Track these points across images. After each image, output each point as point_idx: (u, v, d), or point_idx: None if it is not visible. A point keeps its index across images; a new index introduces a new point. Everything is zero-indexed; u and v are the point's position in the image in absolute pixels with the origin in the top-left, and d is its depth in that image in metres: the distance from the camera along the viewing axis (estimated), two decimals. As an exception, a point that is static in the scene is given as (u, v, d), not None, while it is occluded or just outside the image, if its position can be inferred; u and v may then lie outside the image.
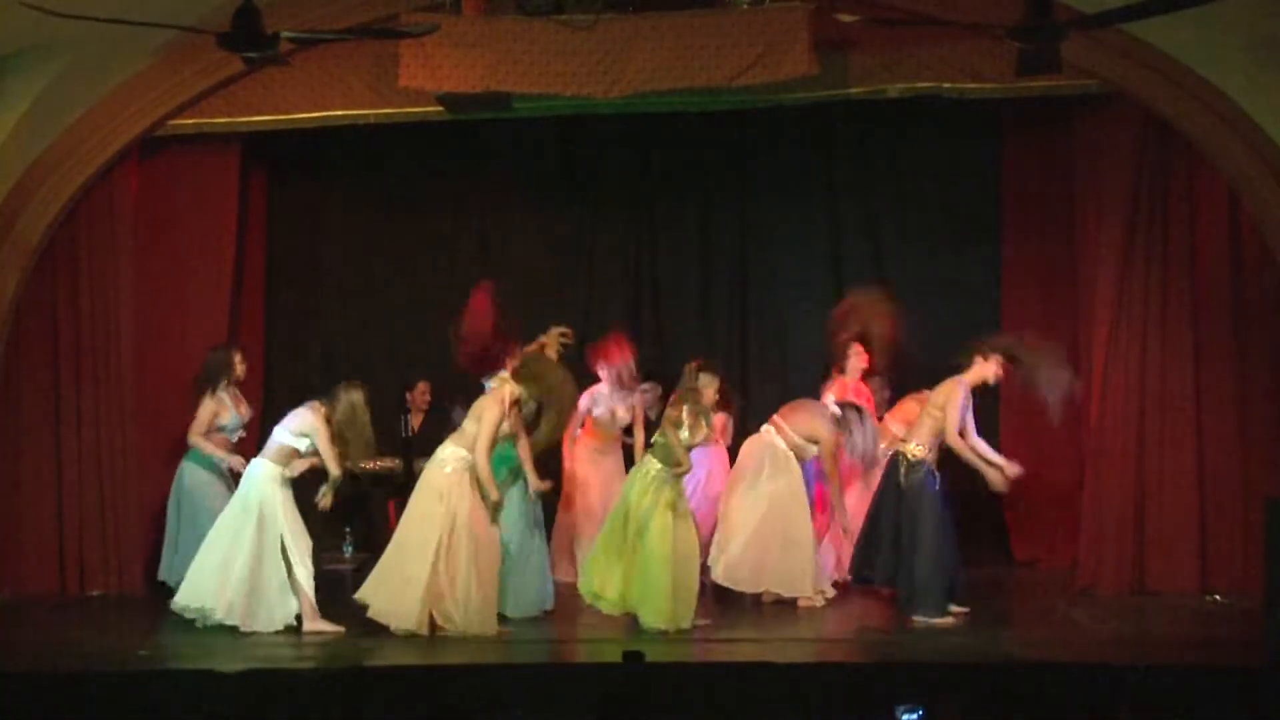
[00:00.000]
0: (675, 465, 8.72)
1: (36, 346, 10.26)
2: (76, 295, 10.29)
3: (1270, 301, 9.71)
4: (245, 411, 9.76)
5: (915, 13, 9.38)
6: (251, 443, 10.02)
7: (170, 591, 9.20)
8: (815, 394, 9.98)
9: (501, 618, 8.79)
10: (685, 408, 8.78)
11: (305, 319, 11.39)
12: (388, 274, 11.58)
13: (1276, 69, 9.02)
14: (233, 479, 9.43)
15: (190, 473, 9.62)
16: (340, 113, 10.12)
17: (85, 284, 10.30)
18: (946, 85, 9.76)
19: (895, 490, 9.06)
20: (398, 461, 10.73)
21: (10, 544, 10.19)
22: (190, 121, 10.19)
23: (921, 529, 8.92)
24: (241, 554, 8.70)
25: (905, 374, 10.33)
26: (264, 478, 8.79)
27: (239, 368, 9.73)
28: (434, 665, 8.10)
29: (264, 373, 11.19)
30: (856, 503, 9.72)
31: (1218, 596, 9.58)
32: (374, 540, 10.31)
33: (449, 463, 8.67)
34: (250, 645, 8.63)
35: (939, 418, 9.00)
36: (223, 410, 9.63)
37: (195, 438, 9.59)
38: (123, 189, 10.35)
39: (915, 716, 5.82)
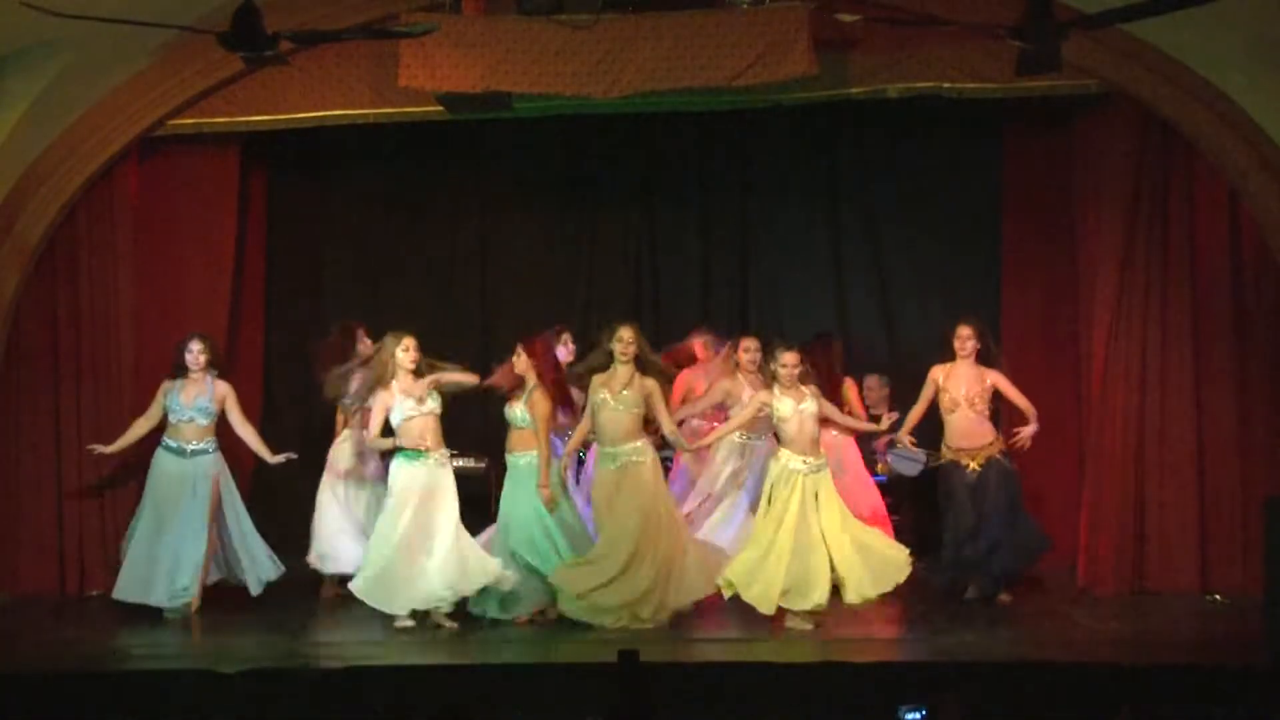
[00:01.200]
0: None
1: (36, 346, 10.25)
2: (76, 295, 10.29)
3: (1270, 301, 9.71)
4: (190, 398, 9.60)
5: (915, 13, 9.38)
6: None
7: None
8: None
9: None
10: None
11: (305, 318, 11.38)
12: (387, 273, 11.58)
13: (1276, 69, 9.02)
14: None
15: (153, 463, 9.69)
16: (340, 113, 10.11)
17: (85, 284, 10.30)
18: (946, 85, 9.77)
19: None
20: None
21: (10, 544, 10.19)
22: (190, 121, 10.18)
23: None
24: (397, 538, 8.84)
25: (905, 373, 10.35)
26: (396, 465, 8.94)
27: (186, 356, 9.63)
28: (434, 665, 8.10)
29: (264, 372, 11.19)
30: None
31: (1218, 596, 9.58)
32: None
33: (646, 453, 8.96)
34: (250, 645, 8.64)
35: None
36: (168, 395, 9.62)
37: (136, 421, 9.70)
38: (122, 189, 10.35)
39: (918, 716, 5.81)
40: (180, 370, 9.63)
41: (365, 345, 9.91)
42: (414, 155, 11.25)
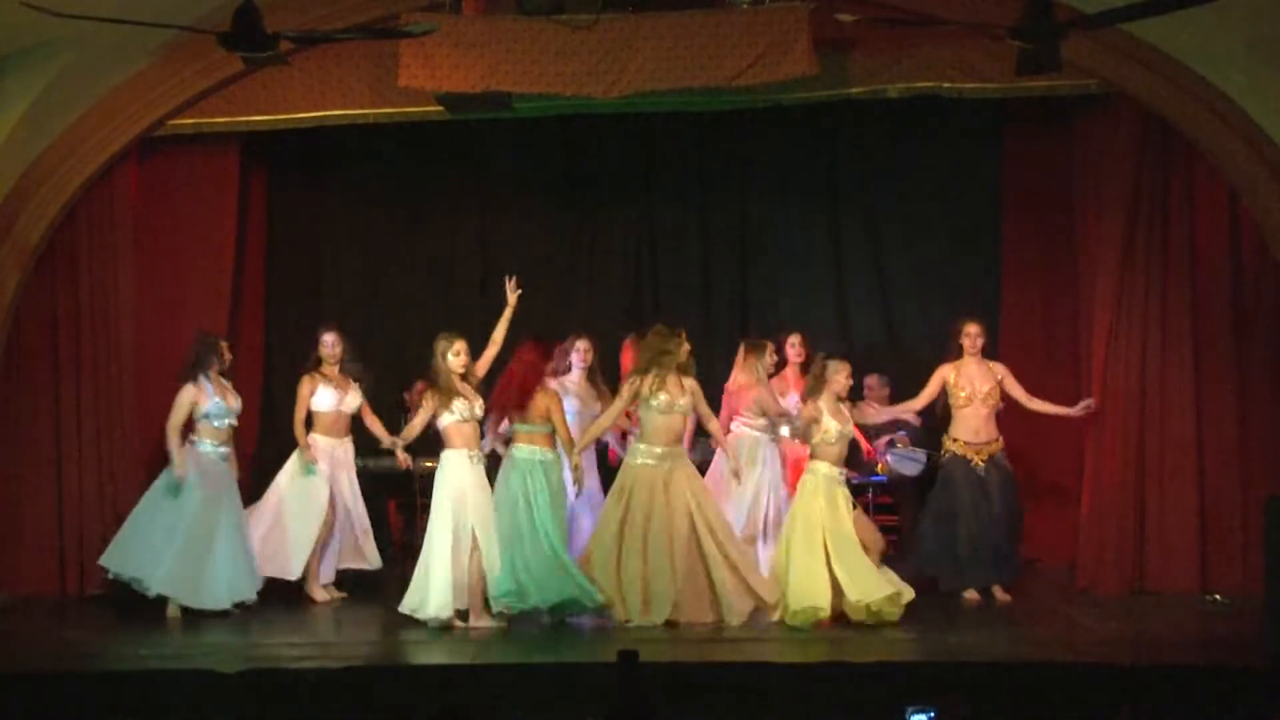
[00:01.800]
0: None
1: (36, 346, 10.25)
2: (76, 295, 10.28)
3: (1270, 301, 9.71)
4: (233, 401, 9.64)
5: (915, 13, 9.39)
6: (249, 439, 10.01)
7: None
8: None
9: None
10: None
11: (305, 318, 11.38)
12: (387, 273, 11.58)
13: (1276, 69, 9.02)
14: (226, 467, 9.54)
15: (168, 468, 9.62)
16: (340, 113, 10.11)
17: (85, 284, 10.29)
18: (946, 85, 9.77)
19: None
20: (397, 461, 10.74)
21: (10, 544, 10.18)
22: (190, 121, 10.18)
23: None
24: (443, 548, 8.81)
25: (905, 373, 10.36)
26: (453, 468, 8.91)
27: (226, 355, 9.66)
28: (434, 665, 8.10)
29: (264, 372, 11.20)
30: None
31: (1218, 596, 9.57)
32: (375, 539, 10.28)
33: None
34: (250, 645, 8.64)
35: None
36: (201, 397, 9.54)
37: (169, 428, 9.51)
38: (122, 189, 10.35)
39: (927, 717, 5.78)
40: (198, 372, 9.56)
41: (329, 350, 9.95)
42: (414, 155, 11.25)
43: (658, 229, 11.63)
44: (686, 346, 9.13)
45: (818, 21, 9.29)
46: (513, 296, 9.45)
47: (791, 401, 9.75)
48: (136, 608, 9.38)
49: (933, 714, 5.78)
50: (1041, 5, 7.61)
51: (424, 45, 9.26)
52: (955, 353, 9.73)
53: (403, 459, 9.38)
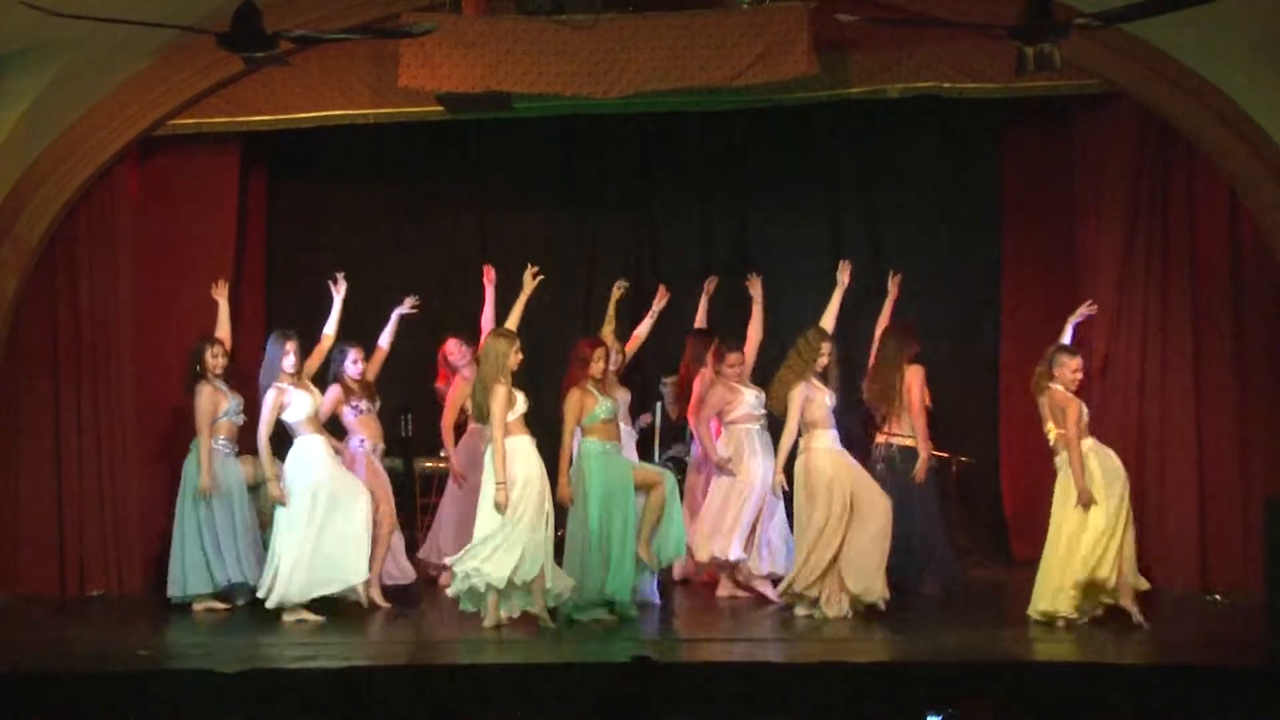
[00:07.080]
0: None
1: (36, 346, 10.26)
2: (76, 295, 10.28)
3: (1270, 301, 9.71)
4: (235, 402, 9.66)
5: (915, 13, 9.40)
6: (248, 438, 10.00)
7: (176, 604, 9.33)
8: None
9: None
10: None
11: (305, 318, 11.37)
12: (387, 273, 11.57)
13: (1276, 69, 9.02)
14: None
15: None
16: (340, 113, 10.13)
17: (85, 284, 10.30)
18: (946, 85, 9.78)
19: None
20: (397, 461, 10.74)
21: (10, 544, 10.19)
22: (190, 121, 10.19)
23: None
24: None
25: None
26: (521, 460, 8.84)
27: (210, 361, 9.61)
28: (434, 665, 8.10)
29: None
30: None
31: (1218, 596, 9.58)
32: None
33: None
34: (250, 645, 8.64)
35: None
36: (220, 398, 9.56)
37: (201, 434, 9.51)
38: (123, 189, 10.35)
39: (942, 720, 5.77)
40: (202, 375, 9.57)
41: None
42: (414, 155, 11.26)
43: (658, 228, 11.64)
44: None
45: (818, 21, 9.29)
46: (532, 282, 9.50)
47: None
48: (138, 607, 9.39)
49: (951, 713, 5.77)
50: (1041, 5, 7.61)
51: (424, 45, 9.27)
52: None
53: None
